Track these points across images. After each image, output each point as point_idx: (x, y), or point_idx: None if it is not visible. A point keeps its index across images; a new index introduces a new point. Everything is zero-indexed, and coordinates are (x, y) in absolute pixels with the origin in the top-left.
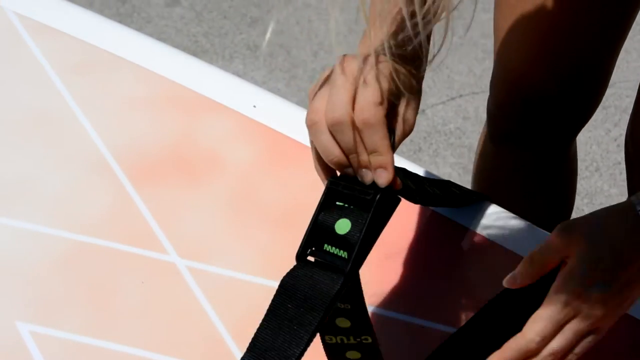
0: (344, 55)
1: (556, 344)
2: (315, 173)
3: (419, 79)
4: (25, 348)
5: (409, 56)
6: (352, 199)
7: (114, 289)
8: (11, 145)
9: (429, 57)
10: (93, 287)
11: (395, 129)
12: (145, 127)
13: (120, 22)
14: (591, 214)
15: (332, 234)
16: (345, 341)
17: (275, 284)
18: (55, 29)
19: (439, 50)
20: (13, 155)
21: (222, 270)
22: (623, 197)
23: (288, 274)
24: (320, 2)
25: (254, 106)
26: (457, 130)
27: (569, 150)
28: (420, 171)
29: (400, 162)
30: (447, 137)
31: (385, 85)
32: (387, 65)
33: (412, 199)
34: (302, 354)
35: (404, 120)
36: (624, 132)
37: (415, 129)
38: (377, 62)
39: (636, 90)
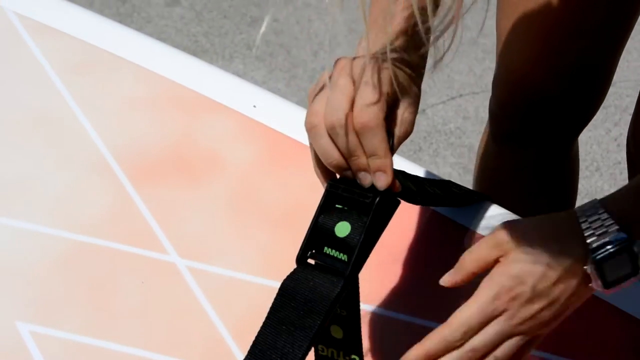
0: (344, 58)
1: (478, 340)
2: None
3: (418, 82)
4: (25, 348)
5: (409, 59)
6: (351, 202)
7: (114, 289)
8: (11, 145)
9: (433, 62)
10: (93, 287)
11: (394, 131)
12: (145, 127)
13: (120, 22)
14: (535, 217)
15: (332, 237)
16: (335, 357)
17: (275, 284)
18: (55, 29)
19: (442, 57)
20: (13, 155)
21: (222, 270)
22: None
23: (288, 277)
24: (320, 2)
25: (254, 106)
26: (457, 130)
27: (571, 149)
28: (420, 171)
29: (400, 162)
30: (447, 136)
31: (384, 88)
32: (386, 68)
33: (413, 201)
34: (303, 357)
35: (403, 123)
36: (624, 132)
37: (415, 128)
38: (377, 64)
39: (637, 90)
